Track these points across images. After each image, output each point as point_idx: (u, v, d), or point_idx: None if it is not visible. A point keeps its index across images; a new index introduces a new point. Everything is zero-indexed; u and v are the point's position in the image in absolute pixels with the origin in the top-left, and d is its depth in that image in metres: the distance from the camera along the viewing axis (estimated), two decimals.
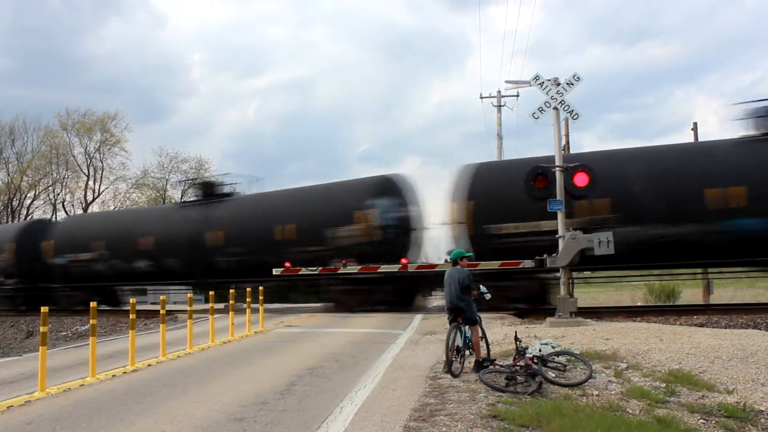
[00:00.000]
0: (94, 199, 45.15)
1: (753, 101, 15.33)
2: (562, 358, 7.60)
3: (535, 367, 6.79)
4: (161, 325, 10.18)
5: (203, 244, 20.27)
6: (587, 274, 18.83)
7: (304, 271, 17.85)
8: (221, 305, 19.17)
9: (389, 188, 18.25)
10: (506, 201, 15.71)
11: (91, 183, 45.54)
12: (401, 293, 17.71)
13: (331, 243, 17.59)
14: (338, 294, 18.08)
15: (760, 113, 15.03)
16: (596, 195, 14.02)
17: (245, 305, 13.78)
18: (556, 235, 12.59)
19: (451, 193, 17.04)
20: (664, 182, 14.65)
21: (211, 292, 13.13)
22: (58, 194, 45.65)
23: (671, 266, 16.04)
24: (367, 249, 17.05)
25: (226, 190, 22.19)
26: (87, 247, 23.06)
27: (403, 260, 17.04)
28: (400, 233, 17.84)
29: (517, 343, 7.62)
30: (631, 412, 5.92)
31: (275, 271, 18.13)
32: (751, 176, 14.21)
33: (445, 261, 16.51)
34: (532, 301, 16.00)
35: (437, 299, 20.04)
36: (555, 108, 12.67)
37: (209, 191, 22.16)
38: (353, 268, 17.35)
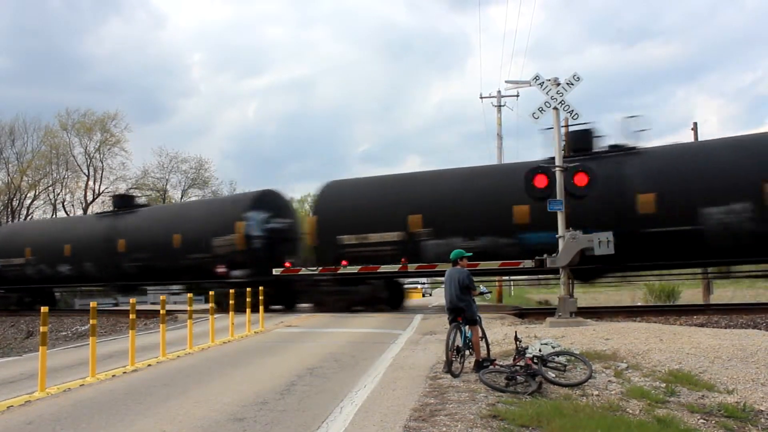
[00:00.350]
0: (94, 199, 45.17)
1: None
2: (562, 358, 7.60)
3: (535, 367, 6.79)
4: (161, 325, 10.18)
5: (113, 251, 22.42)
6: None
7: (304, 271, 18.11)
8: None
9: (263, 203, 20.26)
10: (344, 215, 17.97)
11: (91, 183, 45.59)
12: (279, 295, 19.33)
13: (213, 251, 19.59)
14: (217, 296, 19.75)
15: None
16: (413, 212, 16.62)
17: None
18: (557, 235, 12.59)
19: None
20: (475, 200, 16.31)
21: (211, 293, 13.14)
22: (58, 194, 45.67)
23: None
24: (240, 257, 19.10)
25: (137, 202, 25.84)
26: (19, 252, 25.08)
27: (403, 260, 17.11)
28: (272, 242, 19.63)
29: (517, 343, 7.62)
30: (631, 412, 5.92)
31: (275, 271, 18.32)
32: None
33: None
34: (372, 303, 17.50)
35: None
36: (555, 108, 12.67)
37: (122, 203, 24.89)
38: (353, 268, 17.58)
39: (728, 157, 14.58)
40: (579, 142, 16.28)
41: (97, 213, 30.08)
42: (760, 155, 14.26)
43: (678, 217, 14.26)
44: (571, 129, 16.58)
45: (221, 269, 18.97)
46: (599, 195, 13.85)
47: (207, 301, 17.62)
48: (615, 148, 16.06)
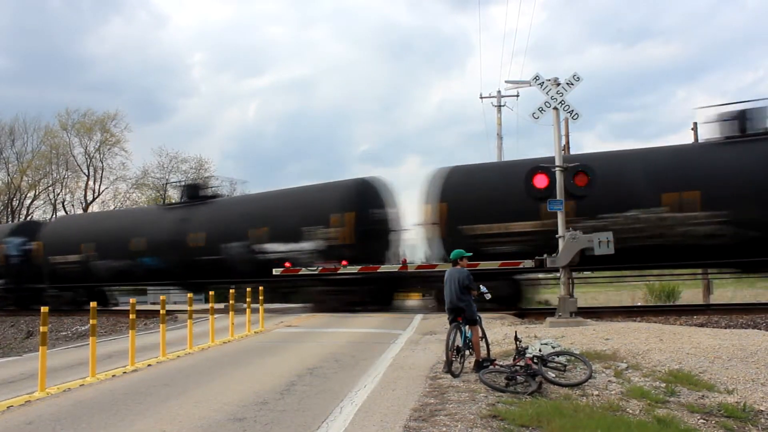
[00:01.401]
0: (94, 199, 45.22)
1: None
2: (562, 358, 7.60)
3: (535, 367, 6.79)
4: (161, 325, 10.18)
5: None
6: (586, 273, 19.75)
7: (304, 271, 18.24)
8: (221, 305, 19.44)
9: (21, 230, 26.57)
10: (57, 241, 24.34)
11: (91, 183, 45.64)
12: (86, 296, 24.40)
13: None
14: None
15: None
16: (89, 240, 23.25)
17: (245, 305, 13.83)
18: (556, 236, 12.60)
19: None
20: (119, 234, 22.85)
21: (211, 292, 13.14)
22: (58, 194, 45.73)
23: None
24: (2, 270, 25.64)
25: None
26: None
27: (403, 260, 17.33)
28: (27, 260, 25.58)
29: (517, 343, 7.62)
30: (631, 412, 5.92)
31: (275, 271, 18.49)
32: (150, 230, 22.02)
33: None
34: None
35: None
36: (555, 108, 12.66)
37: None
38: (353, 268, 17.76)
39: (237, 209, 21.72)
40: (192, 192, 22.78)
41: None
42: (256, 210, 20.55)
43: (213, 250, 20.13)
44: (187, 183, 22.46)
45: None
46: (168, 233, 21.09)
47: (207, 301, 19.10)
48: (202, 198, 22.34)
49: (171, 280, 22.30)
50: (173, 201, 22.85)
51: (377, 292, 18.28)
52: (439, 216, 16.95)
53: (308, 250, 18.03)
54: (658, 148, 16.69)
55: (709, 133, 15.95)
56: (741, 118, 15.47)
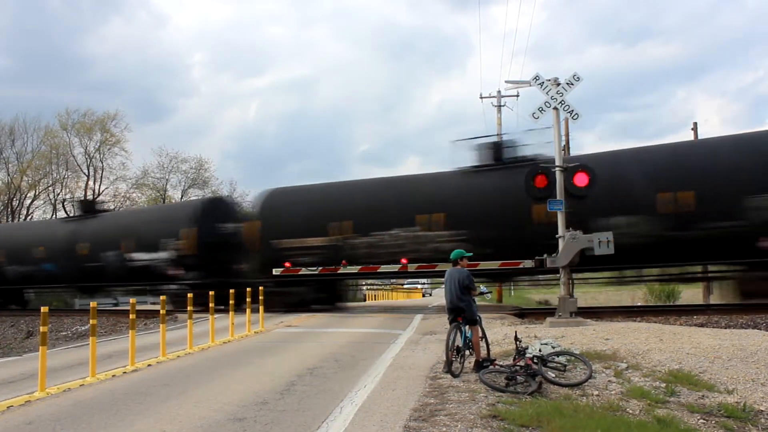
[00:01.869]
0: (94, 199, 45.10)
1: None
2: (562, 358, 7.60)
3: (535, 367, 6.79)
4: (161, 325, 10.19)
5: None
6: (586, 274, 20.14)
7: (304, 271, 18.40)
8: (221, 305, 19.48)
9: None
10: None
11: (91, 183, 45.61)
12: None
13: None
14: None
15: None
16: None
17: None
18: (557, 235, 12.59)
19: None
20: (28, 245, 25.38)
21: (211, 293, 13.13)
22: (58, 194, 45.61)
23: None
24: None
25: None
26: None
27: (403, 260, 17.37)
28: None
29: (517, 343, 7.62)
30: (631, 412, 5.92)
31: (275, 271, 18.64)
32: (49, 240, 24.80)
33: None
34: None
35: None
36: (555, 108, 12.66)
37: None
38: (353, 268, 17.85)
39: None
40: (83, 207, 26.38)
41: None
42: (127, 223, 24.12)
43: (95, 257, 22.87)
44: (79, 199, 26.59)
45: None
46: (63, 243, 23.81)
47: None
48: (91, 212, 25.51)
49: (66, 283, 25.24)
50: (70, 215, 26.41)
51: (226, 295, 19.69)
52: (253, 231, 20.02)
53: (165, 259, 21.11)
54: (418, 175, 19.47)
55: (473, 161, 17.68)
56: (493, 148, 17.33)
